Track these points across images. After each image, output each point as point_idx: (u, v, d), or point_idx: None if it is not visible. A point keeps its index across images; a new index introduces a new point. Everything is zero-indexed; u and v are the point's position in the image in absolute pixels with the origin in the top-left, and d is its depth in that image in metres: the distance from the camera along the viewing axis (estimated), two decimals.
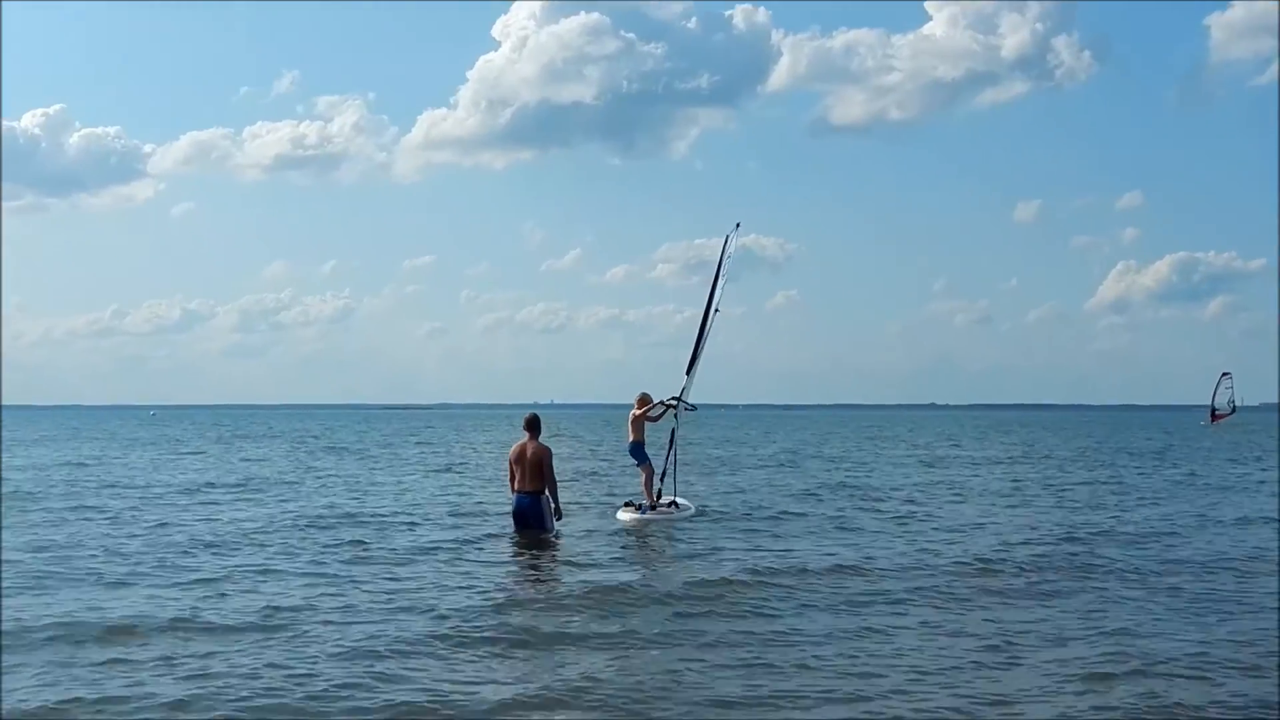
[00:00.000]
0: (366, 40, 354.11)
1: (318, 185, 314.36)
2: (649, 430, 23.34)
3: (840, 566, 17.04)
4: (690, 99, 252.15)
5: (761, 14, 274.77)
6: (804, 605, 14.06)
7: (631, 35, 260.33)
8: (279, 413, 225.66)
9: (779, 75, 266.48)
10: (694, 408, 23.79)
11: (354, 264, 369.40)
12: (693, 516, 23.27)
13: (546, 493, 19.04)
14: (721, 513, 24.45)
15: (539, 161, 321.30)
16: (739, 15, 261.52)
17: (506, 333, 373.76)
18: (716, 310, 23.71)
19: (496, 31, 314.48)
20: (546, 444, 19.14)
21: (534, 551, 18.25)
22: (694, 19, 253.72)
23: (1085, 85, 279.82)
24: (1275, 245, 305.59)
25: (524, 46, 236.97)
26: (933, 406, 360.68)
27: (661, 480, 23.30)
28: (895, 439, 74.53)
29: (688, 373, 23.53)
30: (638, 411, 23.11)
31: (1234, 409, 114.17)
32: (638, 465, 23.63)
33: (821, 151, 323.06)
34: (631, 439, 23.23)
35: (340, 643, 11.66)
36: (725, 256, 23.86)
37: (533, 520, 19.02)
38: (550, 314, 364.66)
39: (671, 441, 23.49)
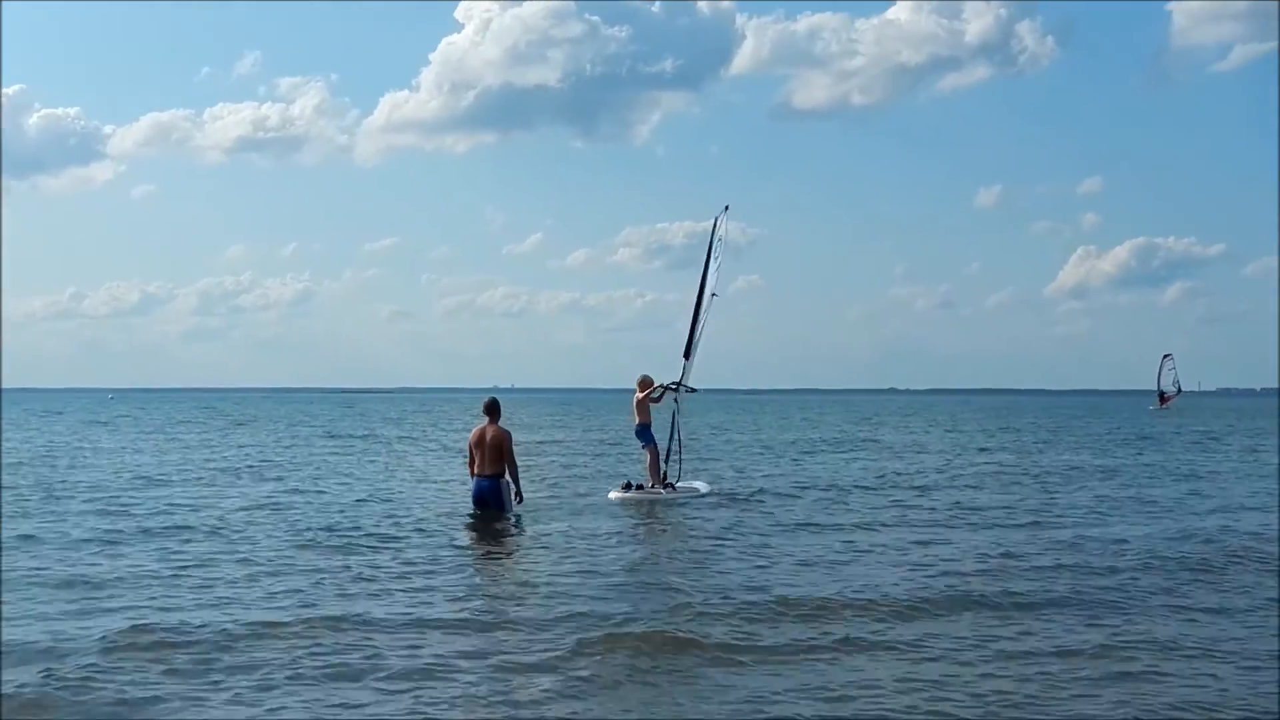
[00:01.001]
0: (329, 21, 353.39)
1: (279, 167, 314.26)
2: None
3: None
4: (653, 82, 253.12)
5: (726, 0, 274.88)
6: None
7: (596, 19, 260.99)
8: (240, 396, 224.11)
9: (742, 59, 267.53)
10: (694, 390, 24.35)
11: (315, 247, 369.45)
12: (702, 496, 23.91)
13: (507, 476, 19.06)
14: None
15: (501, 144, 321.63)
16: (703, 1, 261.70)
17: (467, 316, 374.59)
18: (714, 295, 24.22)
19: (459, 14, 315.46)
20: (506, 428, 19.22)
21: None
22: (658, 3, 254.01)
23: (1048, 71, 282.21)
24: (1234, 232, 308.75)
25: (487, 29, 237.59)
26: (894, 391, 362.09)
27: (665, 462, 23.66)
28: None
29: (686, 356, 24.00)
30: (640, 395, 23.53)
31: (1179, 390, 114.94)
32: (643, 447, 23.99)
33: (784, 136, 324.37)
34: (637, 421, 23.74)
35: None
36: (715, 239, 24.23)
37: (493, 503, 19.09)
38: (511, 298, 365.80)
39: (674, 424, 23.90)
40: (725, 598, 13.10)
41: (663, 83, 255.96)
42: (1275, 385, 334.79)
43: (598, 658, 10.53)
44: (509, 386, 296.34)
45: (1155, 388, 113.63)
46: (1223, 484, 29.04)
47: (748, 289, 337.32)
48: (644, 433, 23.74)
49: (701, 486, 24.97)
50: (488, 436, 18.95)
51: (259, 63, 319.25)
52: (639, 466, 25.93)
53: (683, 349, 24.23)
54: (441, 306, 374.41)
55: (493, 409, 19.20)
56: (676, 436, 23.97)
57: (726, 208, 24.38)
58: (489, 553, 17.10)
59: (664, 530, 19.55)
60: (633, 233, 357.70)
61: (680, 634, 11.31)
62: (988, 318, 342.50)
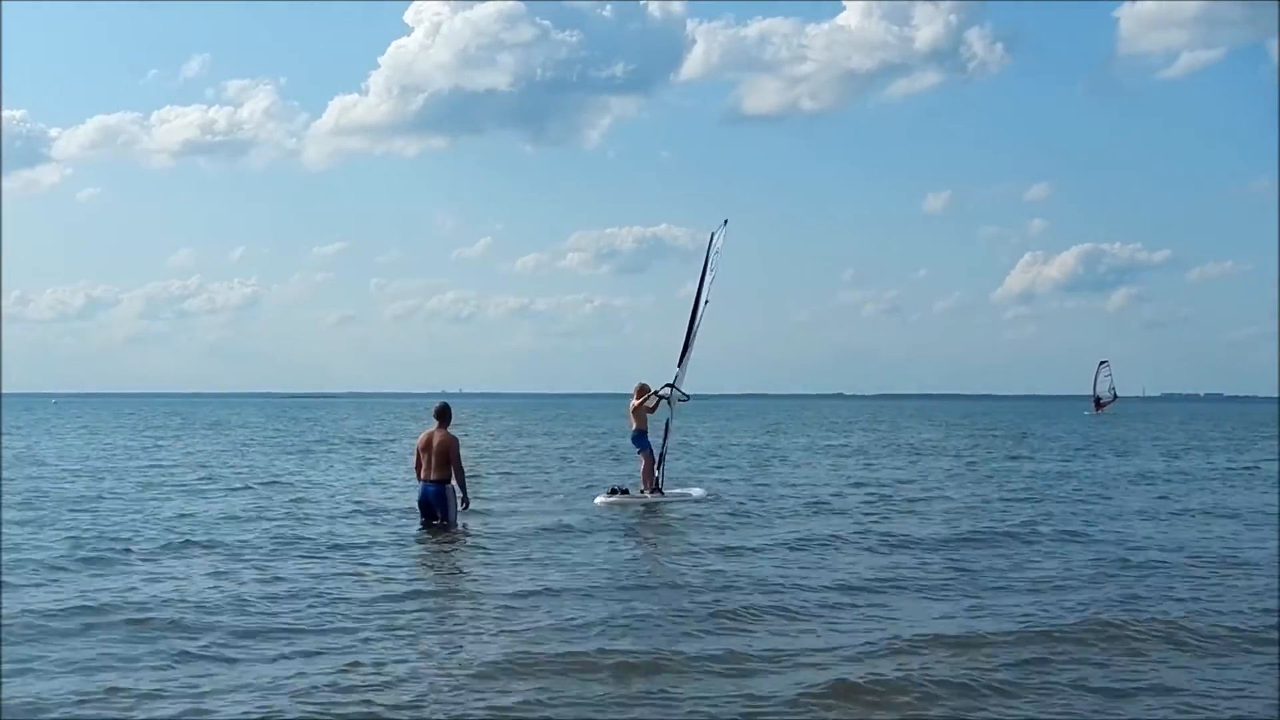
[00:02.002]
0: (278, 24, 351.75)
1: (227, 171, 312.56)
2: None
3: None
4: (604, 87, 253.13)
5: (677, 4, 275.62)
6: None
7: (546, 23, 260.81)
8: (187, 401, 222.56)
9: (692, 64, 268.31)
10: (688, 398, 24.91)
11: (263, 251, 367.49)
12: (695, 502, 24.34)
13: (453, 482, 19.05)
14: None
15: (451, 148, 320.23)
16: (654, 5, 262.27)
17: (416, 321, 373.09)
18: (707, 302, 24.60)
19: (409, 17, 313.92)
20: (454, 433, 19.16)
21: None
22: (609, 7, 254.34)
23: (997, 77, 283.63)
24: (1180, 238, 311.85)
25: (437, 32, 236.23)
26: (840, 396, 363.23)
27: (658, 467, 24.19)
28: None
29: (679, 364, 24.54)
30: (636, 401, 24.01)
31: (1115, 396, 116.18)
32: (639, 453, 24.44)
33: (734, 141, 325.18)
34: (634, 428, 24.15)
35: None
36: (713, 252, 24.77)
37: (437, 507, 19.02)
38: (460, 302, 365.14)
39: (666, 431, 24.59)
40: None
41: (613, 87, 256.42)
42: (1217, 391, 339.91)
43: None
44: (457, 391, 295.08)
45: (1093, 393, 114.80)
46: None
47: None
48: (640, 439, 24.16)
49: (695, 492, 25.48)
50: (435, 441, 18.87)
51: (207, 65, 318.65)
52: (621, 470, 26.00)
53: (676, 357, 24.76)
54: (390, 311, 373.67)
55: (443, 414, 19.17)
56: (667, 442, 24.66)
57: (725, 221, 24.92)
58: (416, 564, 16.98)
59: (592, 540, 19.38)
60: (582, 237, 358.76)
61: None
62: (935, 323, 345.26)
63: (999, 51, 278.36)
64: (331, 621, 12.27)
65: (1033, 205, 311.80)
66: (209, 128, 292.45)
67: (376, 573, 15.32)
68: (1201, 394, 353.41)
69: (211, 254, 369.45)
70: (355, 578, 14.92)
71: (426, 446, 19.01)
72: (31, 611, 12.42)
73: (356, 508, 22.99)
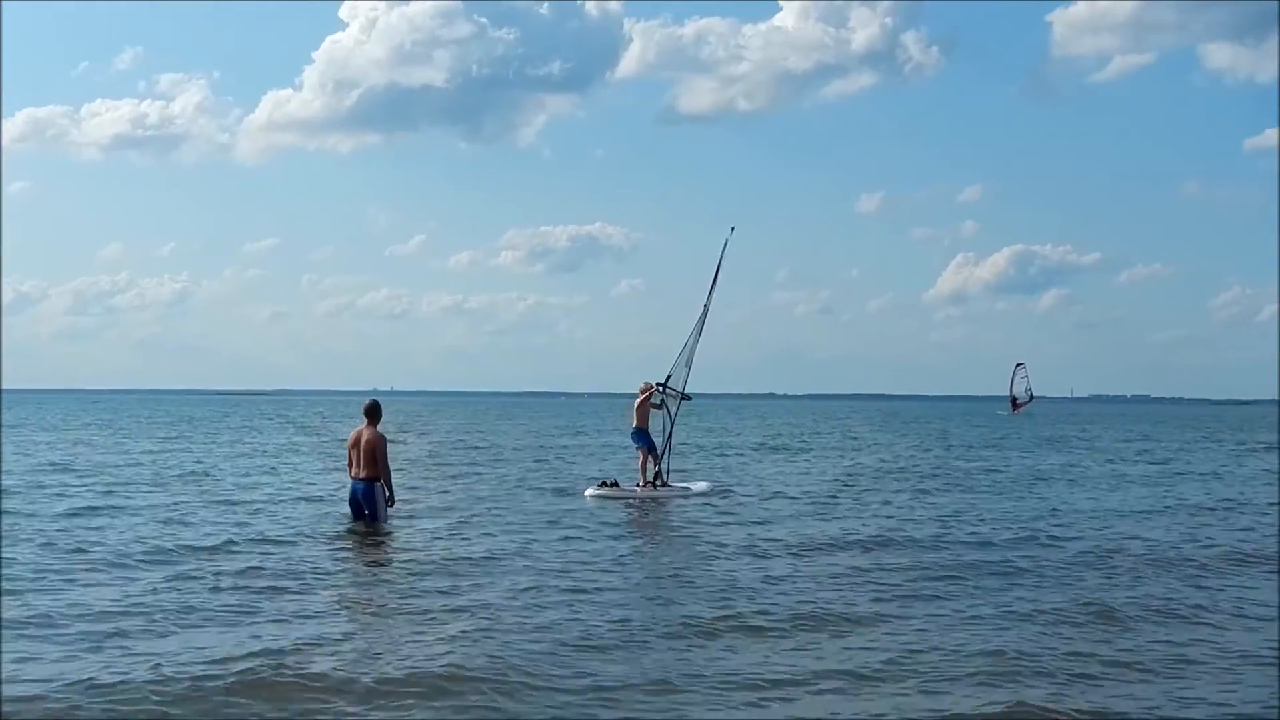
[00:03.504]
0: (211, 17, 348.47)
1: (158, 166, 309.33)
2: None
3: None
4: (540, 85, 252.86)
5: (614, 3, 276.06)
6: None
7: (484, 20, 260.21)
8: (116, 398, 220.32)
9: (629, 63, 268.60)
10: (689, 398, 26.06)
11: (194, 247, 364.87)
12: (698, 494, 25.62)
13: (381, 480, 19.02)
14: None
15: (385, 145, 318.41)
16: (591, 4, 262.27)
17: (348, 318, 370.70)
18: (705, 306, 25.93)
19: (344, 12, 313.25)
20: (383, 432, 19.14)
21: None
22: (546, 5, 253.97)
23: (932, 80, 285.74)
24: (1110, 240, 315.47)
25: (373, 28, 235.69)
26: (772, 396, 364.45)
27: (658, 463, 25.31)
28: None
29: (687, 365, 25.71)
30: (641, 398, 25.18)
31: (1031, 397, 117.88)
32: (637, 448, 25.65)
33: (669, 140, 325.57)
34: (635, 425, 25.37)
35: None
36: (724, 259, 26.04)
37: (365, 505, 19.01)
38: (393, 299, 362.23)
39: (670, 429, 25.65)
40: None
41: (549, 85, 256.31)
42: (1145, 392, 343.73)
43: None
44: (389, 389, 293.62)
45: (1009, 394, 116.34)
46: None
47: (630, 293, 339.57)
48: (640, 435, 25.37)
49: (696, 486, 26.67)
50: (364, 439, 18.85)
51: (139, 58, 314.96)
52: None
53: (686, 359, 25.86)
54: (322, 308, 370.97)
55: (372, 412, 19.08)
56: (669, 439, 25.66)
57: (733, 229, 26.29)
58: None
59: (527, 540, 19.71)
60: (516, 235, 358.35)
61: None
62: (867, 323, 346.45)
63: (934, 54, 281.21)
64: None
65: (965, 207, 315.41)
66: (140, 122, 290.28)
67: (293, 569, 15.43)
68: (1129, 395, 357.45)
69: (141, 249, 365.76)
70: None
71: (355, 444, 19.00)
72: None
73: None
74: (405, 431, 60.67)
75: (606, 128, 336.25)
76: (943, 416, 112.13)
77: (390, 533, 18.81)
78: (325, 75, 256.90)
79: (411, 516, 20.94)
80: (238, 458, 38.52)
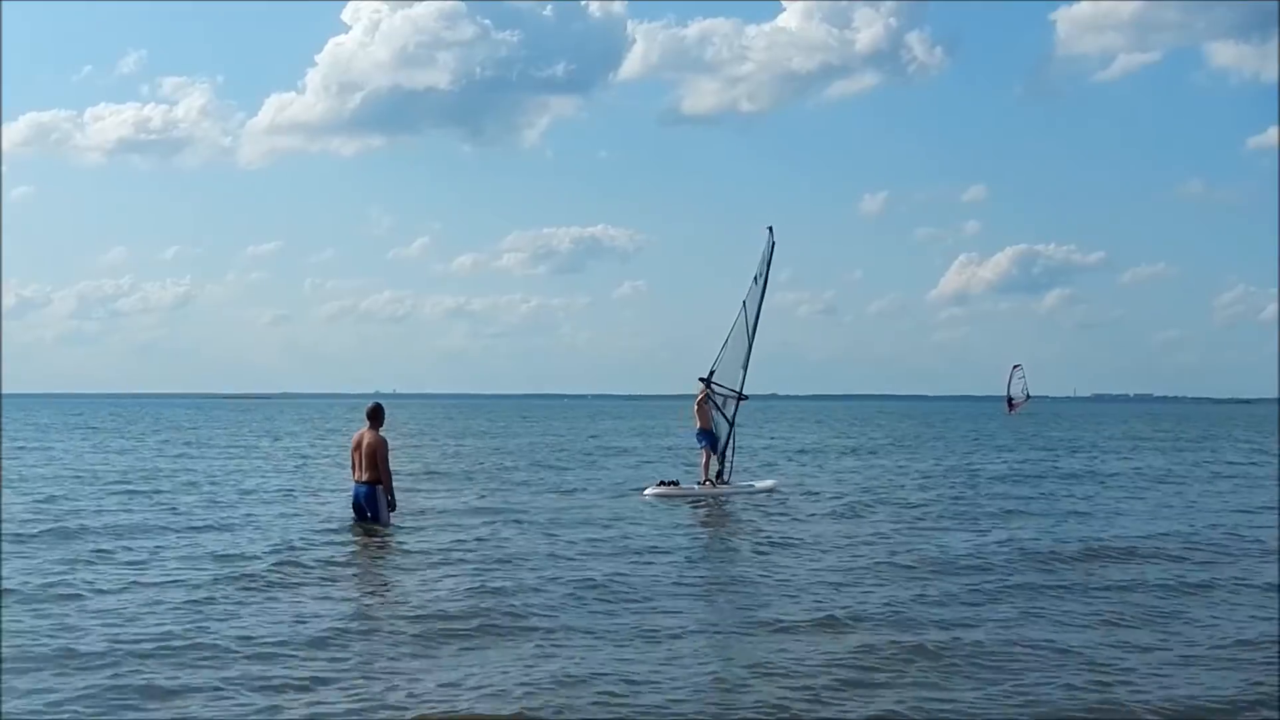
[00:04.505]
0: (215, 21, 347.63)
1: (161, 169, 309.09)
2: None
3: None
4: (544, 86, 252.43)
5: (618, 4, 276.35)
6: None
7: (488, 22, 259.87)
8: (121, 402, 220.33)
9: (632, 64, 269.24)
10: (747, 398, 26.54)
11: (196, 250, 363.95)
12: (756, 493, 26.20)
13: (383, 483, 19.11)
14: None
15: (388, 147, 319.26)
16: (595, 5, 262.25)
17: (350, 321, 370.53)
18: (744, 303, 26.54)
19: (347, 15, 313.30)
20: (384, 435, 19.21)
21: None
22: (550, 7, 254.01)
23: (936, 80, 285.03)
24: (1113, 240, 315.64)
25: (376, 30, 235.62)
26: (775, 397, 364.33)
27: (721, 462, 26.04)
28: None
29: (743, 368, 26.29)
30: (701, 399, 26.08)
31: (1027, 397, 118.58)
32: (701, 448, 26.55)
33: (672, 141, 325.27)
34: (698, 425, 26.24)
35: None
36: (769, 260, 26.57)
37: (368, 508, 19.15)
38: (395, 302, 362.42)
39: (731, 426, 26.15)
40: None
41: (553, 87, 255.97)
42: (1147, 392, 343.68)
43: None
44: (391, 392, 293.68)
45: (1006, 394, 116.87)
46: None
47: (632, 294, 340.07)
48: (703, 435, 26.21)
49: (762, 484, 27.49)
50: (365, 442, 18.97)
51: (142, 62, 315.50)
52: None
53: (742, 361, 26.43)
54: (324, 311, 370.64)
55: (375, 415, 19.21)
56: (732, 438, 26.23)
57: (770, 229, 26.71)
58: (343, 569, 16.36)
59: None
60: (519, 237, 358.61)
61: None
62: (869, 324, 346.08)
63: (938, 54, 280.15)
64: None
65: (969, 207, 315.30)
66: (143, 125, 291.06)
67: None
68: (1131, 395, 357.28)
69: (144, 253, 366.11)
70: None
71: (357, 447, 19.14)
72: None
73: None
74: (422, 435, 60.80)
75: (609, 129, 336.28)
76: (962, 417, 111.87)
77: (392, 534, 18.80)
78: (328, 78, 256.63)
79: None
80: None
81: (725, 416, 26.29)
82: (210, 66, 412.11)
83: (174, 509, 22.97)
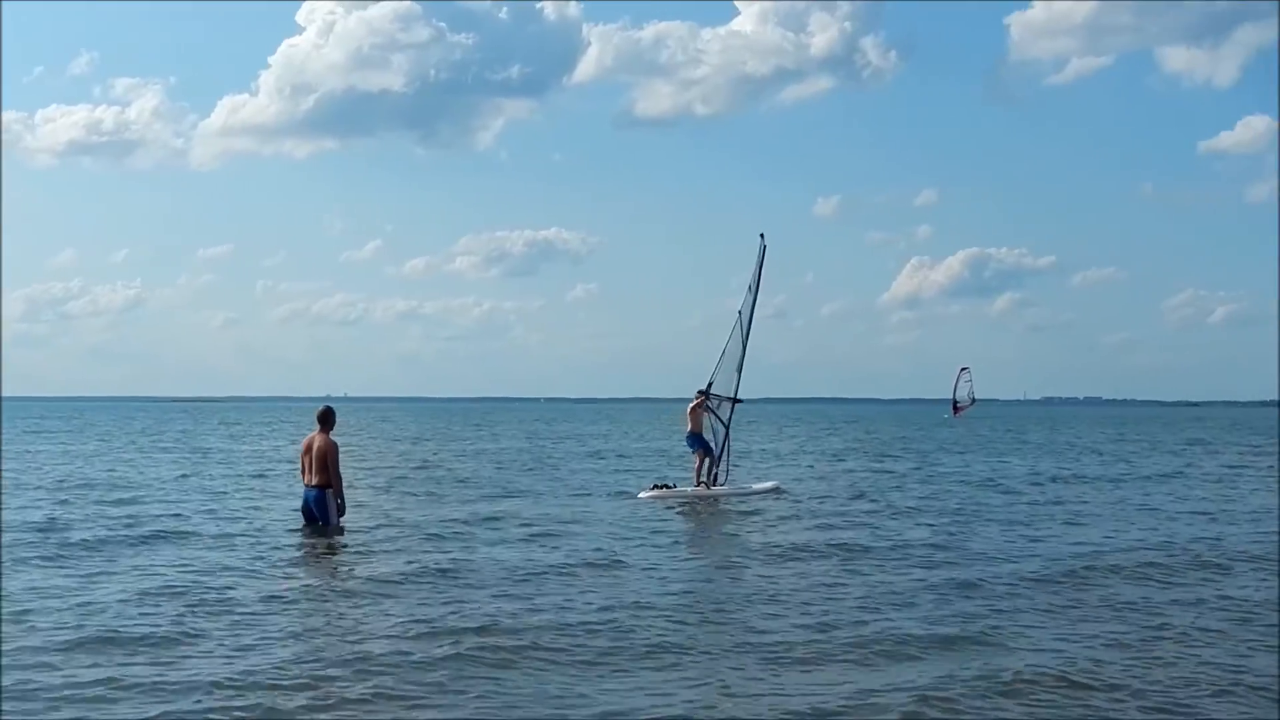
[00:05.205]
0: (168, 22, 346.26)
1: (112, 171, 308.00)
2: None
3: None
4: (498, 89, 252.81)
5: (573, 7, 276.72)
6: None
7: (443, 24, 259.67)
8: (68, 406, 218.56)
9: (586, 66, 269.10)
10: (741, 401, 27.23)
11: (148, 253, 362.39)
12: (764, 495, 27.01)
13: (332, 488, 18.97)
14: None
15: (342, 150, 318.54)
16: (550, 7, 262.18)
17: (302, 324, 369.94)
18: (740, 311, 27.02)
19: (301, 16, 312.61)
20: (335, 439, 19.03)
21: None
22: (505, 9, 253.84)
23: (890, 84, 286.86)
24: (1064, 243, 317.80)
25: (330, 32, 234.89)
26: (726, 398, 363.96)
27: (717, 465, 26.62)
28: None
29: (738, 371, 26.85)
30: (694, 404, 26.56)
31: (973, 401, 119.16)
32: (694, 452, 27.03)
33: (626, 144, 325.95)
34: (689, 429, 26.71)
35: None
36: (763, 266, 27.14)
37: (317, 512, 19.02)
38: (348, 305, 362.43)
39: (726, 432, 26.74)
40: None
41: (507, 89, 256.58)
42: (1097, 394, 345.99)
43: None
44: (342, 395, 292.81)
45: (952, 397, 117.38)
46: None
47: (585, 297, 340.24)
48: (695, 440, 26.71)
49: (759, 486, 28.28)
50: (315, 446, 18.84)
51: (95, 63, 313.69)
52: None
53: (736, 365, 26.95)
54: (276, 314, 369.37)
55: (325, 418, 19.05)
56: (728, 442, 26.81)
57: (762, 235, 27.21)
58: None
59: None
60: (472, 240, 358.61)
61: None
62: (821, 327, 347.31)
63: (893, 58, 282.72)
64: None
65: (921, 210, 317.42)
66: (95, 127, 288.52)
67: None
68: (1081, 398, 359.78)
69: (95, 256, 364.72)
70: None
71: (308, 450, 18.99)
72: None
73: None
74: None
75: (564, 132, 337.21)
76: (905, 421, 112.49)
77: (345, 541, 18.53)
78: (282, 80, 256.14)
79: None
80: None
81: (721, 420, 26.80)
82: (163, 68, 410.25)
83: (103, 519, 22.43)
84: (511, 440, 61.45)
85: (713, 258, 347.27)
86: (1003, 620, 12.98)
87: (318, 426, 19.05)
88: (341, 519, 19.19)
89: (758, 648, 11.54)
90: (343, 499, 19.23)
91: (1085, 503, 27.10)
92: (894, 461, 43.08)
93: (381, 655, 10.99)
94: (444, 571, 15.79)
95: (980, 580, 15.53)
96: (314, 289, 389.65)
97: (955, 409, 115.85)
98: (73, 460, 40.95)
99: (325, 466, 18.82)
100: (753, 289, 26.96)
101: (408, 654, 11.06)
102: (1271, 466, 40.86)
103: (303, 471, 19.27)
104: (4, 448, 46.55)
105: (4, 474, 32.57)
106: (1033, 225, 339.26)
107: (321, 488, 18.92)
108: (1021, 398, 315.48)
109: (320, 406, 19.47)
